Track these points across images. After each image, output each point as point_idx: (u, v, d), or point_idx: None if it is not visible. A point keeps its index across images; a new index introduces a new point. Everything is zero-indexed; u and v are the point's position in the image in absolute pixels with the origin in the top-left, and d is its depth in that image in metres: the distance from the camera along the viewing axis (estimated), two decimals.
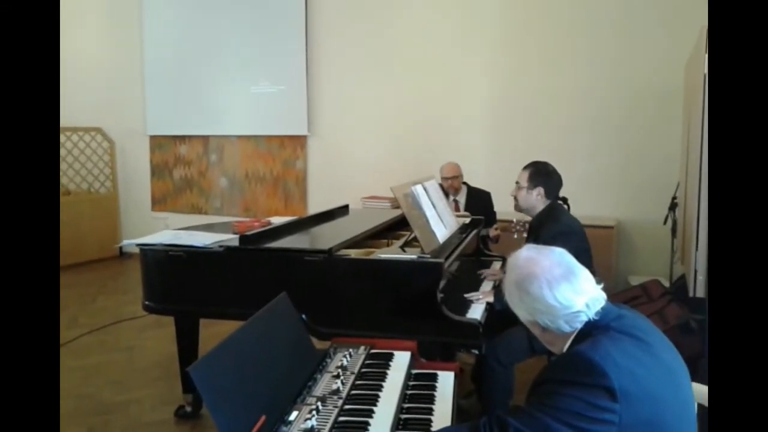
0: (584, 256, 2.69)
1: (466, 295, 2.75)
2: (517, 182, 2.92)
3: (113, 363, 3.89)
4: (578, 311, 1.32)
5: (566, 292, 1.33)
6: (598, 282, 1.39)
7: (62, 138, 6.70)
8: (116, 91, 7.03)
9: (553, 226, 2.74)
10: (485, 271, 3.22)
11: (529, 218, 3.03)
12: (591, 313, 1.33)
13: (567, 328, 1.35)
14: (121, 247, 6.61)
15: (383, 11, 5.73)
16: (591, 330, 1.32)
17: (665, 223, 4.33)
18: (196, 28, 6.51)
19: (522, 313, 1.40)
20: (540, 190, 2.84)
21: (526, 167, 2.92)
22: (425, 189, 2.94)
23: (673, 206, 4.26)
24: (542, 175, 2.87)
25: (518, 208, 2.96)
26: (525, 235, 3.31)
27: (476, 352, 2.58)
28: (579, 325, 1.34)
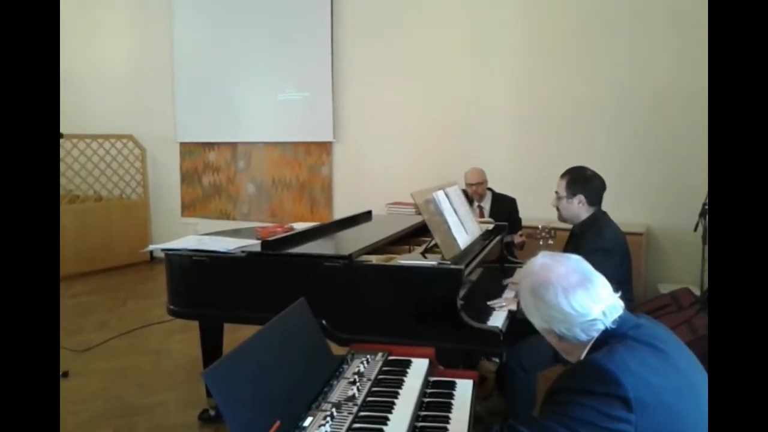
0: (621, 274, 2.63)
1: (489, 303, 2.72)
2: (555, 192, 2.82)
3: (140, 366, 3.96)
4: (594, 319, 1.30)
5: (582, 299, 1.30)
6: (616, 290, 1.36)
7: (95, 145, 6.89)
8: (147, 99, 7.20)
9: (594, 239, 2.64)
10: (509, 280, 3.14)
11: (555, 225, 2.98)
12: (608, 322, 1.31)
13: (583, 337, 1.32)
14: (151, 252, 6.74)
15: (408, 18, 5.75)
16: (607, 339, 1.29)
17: (696, 229, 4.23)
18: (224, 38, 6.62)
19: (537, 321, 1.38)
20: (581, 197, 2.74)
21: (563, 175, 2.82)
22: (447, 195, 2.93)
23: (704, 212, 4.16)
24: (580, 181, 2.76)
25: (561, 218, 2.87)
26: (551, 242, 3.26)
27: (497, 360, 2.55)
28: (595, 334, 1.31)
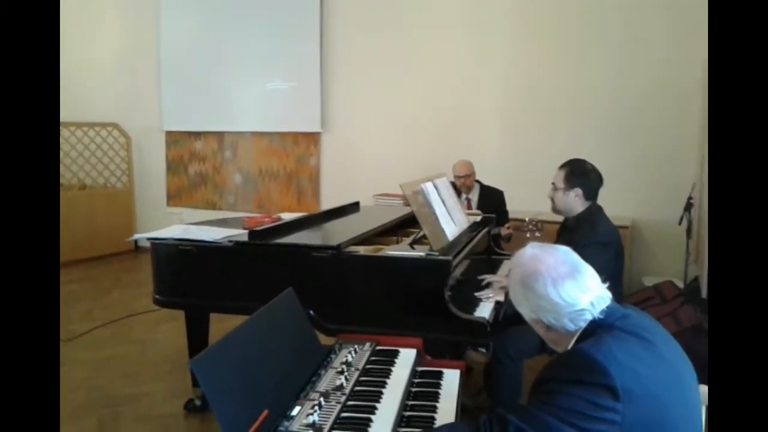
0: (614, 268, 2.63)
1: (476, 294, 2.73)
2: (552, 183, 2.79)
3: (125, 356, 3.93)
4: (583, 309, 1.31)
5: (571, 289, 1.31)
6: (604, 281, 1.37)
7: (79, 133, 6.80)
8: (133, 87, 7.11)
9: (589, 234, 2.64)
10: (488, 278, 2.87)
11: (542, 218, 2.98)
12: (596, 312, 1.32)
13: (571, 327, 1.33)
14: (136, 241, 6.69)
15: (398, 9, 5.72)
16: (595, 329, 1.30)
17: (680, 223, 4.28)
18: (212, 26, 6.55)
19: (526, 311, 1.39)
20: (577, 191, 2.72)
21: (561, 167, 2.79)
22: (435, 186, 2.93)
23: (688, 207, 4.21)
24: (579, 174, 2.74)
25: (555, 210, 2.84)
26: (538, 234, 3.27)
27: (484, 350, 2.56)
28: (583, 324, 1.32)
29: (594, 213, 2.76)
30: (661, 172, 4.82)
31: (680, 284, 4.26)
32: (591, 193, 2.76)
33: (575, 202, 2.75)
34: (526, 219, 3.36)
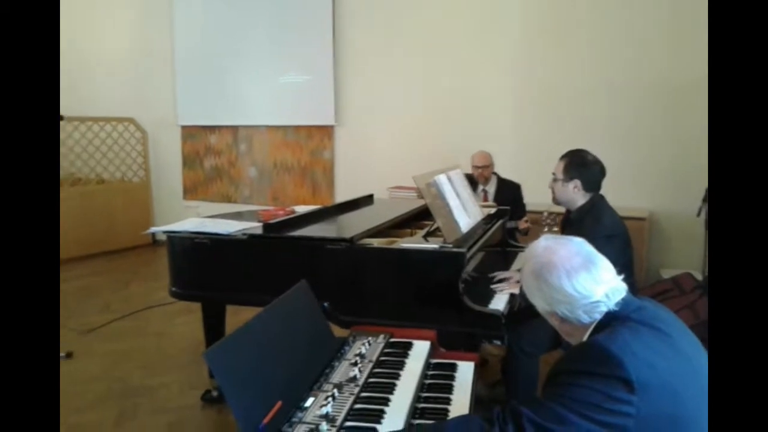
0: (624, 259, 2.59)
1: (491, 286, 2.72)
2: (553, 173, 2.75)
3: (143, 348, 3.97)
4: (597, 301, 1.30)
5: (585, 281, 1.30)
6: (618, 273, 1.35)
7: (96, 128, 6.87)
8: (148, 82, 7.15)
9: (595, 227, 2.56)
10: (500, 274, 2.84)
11: (559, 210, 2.95)
12: (611, 304, 1.30)
13: (586, 319, 1.32)
14: (153, 235, 6.75)
15: (409, 2, 5.68)
16: (610, 321, 1.29)
17: (699, 215, 4.22)
18: (225, 20, 6.56)
19: (540, 303, 1.38)
20: (576, 182, 2.65)
21: (562, 157, 2.74)
22: (449, 178, 2.91)
23: (706, 198, 4.15)
24: (578, 165, 2.67)
25: (555, 200, 2.79)
26: (555, 228, 3.24)
27: (498, 342, 2.55)
28: (598, 316, 1.31)
29: (597, 204, 2.69)
30: (677, 163, 4.76)
31: (699, 276, 4.21)
32: (591, 185, 2.68)
33: (574, 193, 2.68)
34: (545, 213, 3.32)
